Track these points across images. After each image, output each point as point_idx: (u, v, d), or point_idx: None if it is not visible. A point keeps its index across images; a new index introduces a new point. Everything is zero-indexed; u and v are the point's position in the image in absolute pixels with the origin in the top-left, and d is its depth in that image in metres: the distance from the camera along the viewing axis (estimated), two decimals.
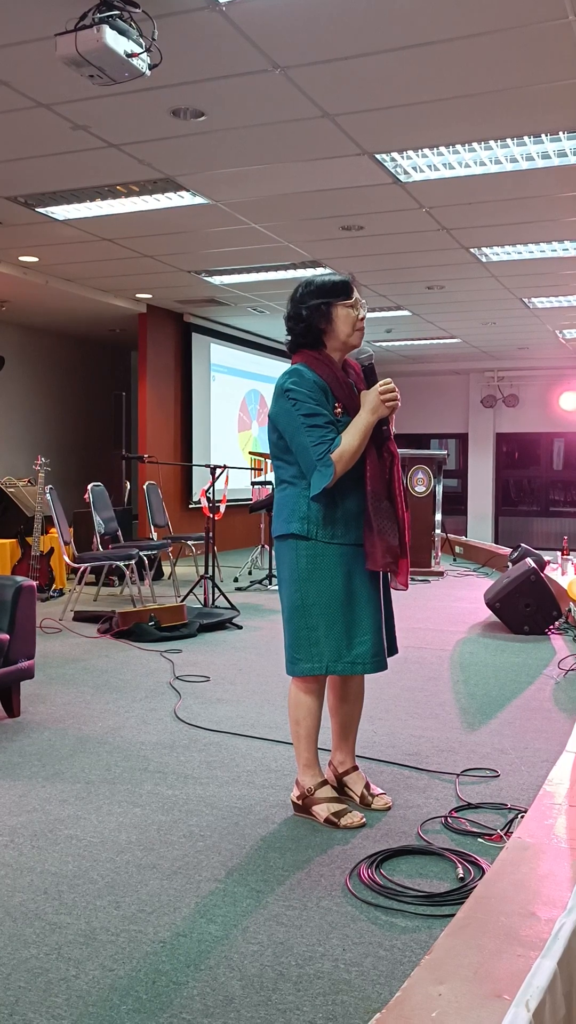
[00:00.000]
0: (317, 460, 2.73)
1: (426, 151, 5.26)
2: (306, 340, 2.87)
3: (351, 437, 2.75)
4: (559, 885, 1.90)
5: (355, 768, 3.09)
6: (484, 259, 7.76)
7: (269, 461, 10.25)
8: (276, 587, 8.41)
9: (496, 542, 14.37)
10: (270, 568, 8.90)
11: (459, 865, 2.54)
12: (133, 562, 7.10)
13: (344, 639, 2.81)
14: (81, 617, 6.64)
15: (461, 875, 2.48)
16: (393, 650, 3.01)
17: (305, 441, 2.75)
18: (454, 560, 11.50)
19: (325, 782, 2.96)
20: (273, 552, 2.97)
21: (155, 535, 8.64)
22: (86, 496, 7.55)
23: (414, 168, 5.56)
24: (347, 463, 2.74)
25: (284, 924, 2.24)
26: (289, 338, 2.92)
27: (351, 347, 2.87)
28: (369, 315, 2.92)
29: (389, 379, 2.84)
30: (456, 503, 15.41)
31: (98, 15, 3.36)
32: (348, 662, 2.81)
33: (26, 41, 3.95)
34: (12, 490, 8.50)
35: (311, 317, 2.82)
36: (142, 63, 3.54)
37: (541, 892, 1.87)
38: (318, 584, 2.81)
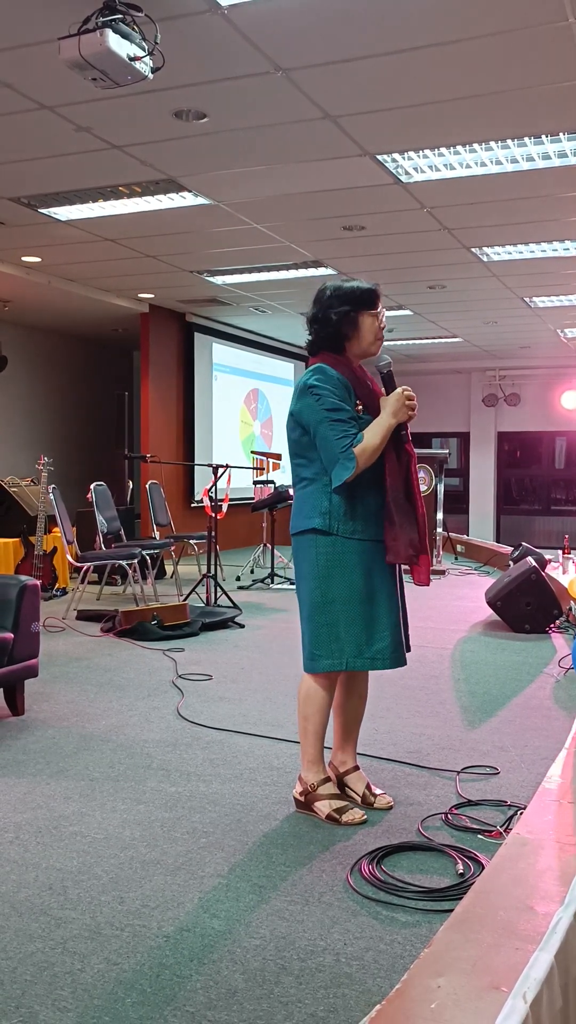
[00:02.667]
0: (340, 453, 2.78)
1: (427, 152, 5.28)
2: (329, 344, 2.92)
3: (373, 435, 2.80)
4: (557, 880, 1.93)
5: (356, 768, 3.11)
6: (485, 259, 7.78)
7: (270, 461, 10.28)
8: (278, 586, 8.46)
9: (497, 541, 14.38)
10: (272, 567, 8.93)
11: (459, 861, 2.57)
12: (136, 561, 7.12)
13: (364, 635, 2.84)
14: (84, 616, 6.67)
15: (461, 871, 2.51)
16: (407, 649, 3.03)
17: (329, 434, 2.80)
18: (455, 559, 11.52)
19: (328, 779, 2.98)
20: (292, 550, 2.99)
21: (157, 534, 8.67)
22: (89, 495, 7.57)
23: (415, 169, 5.58)
24: (368, 459, 2.79)
25: (286, 919, 2.27)
26: (311, 339, 2.97)
27: (370, 355, 2.94)
28: None
29: (408, 387, 2.88)
30: (458, 502, 15.41)
31: (101, 19, 3.39)
32: (368, 658, 2.84)
33: (30, 44, 3.97)
34: (15, 489, 8.52)
35: (339, 323, 2.87)
36: (145, 66, 3.56)
37: (539, 887, 1.90)
38: (339, 580, 2.84)
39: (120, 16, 3.42)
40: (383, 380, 2.93)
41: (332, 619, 2.86)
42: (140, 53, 3.52)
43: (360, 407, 2.87)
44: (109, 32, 3.37)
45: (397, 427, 2.86)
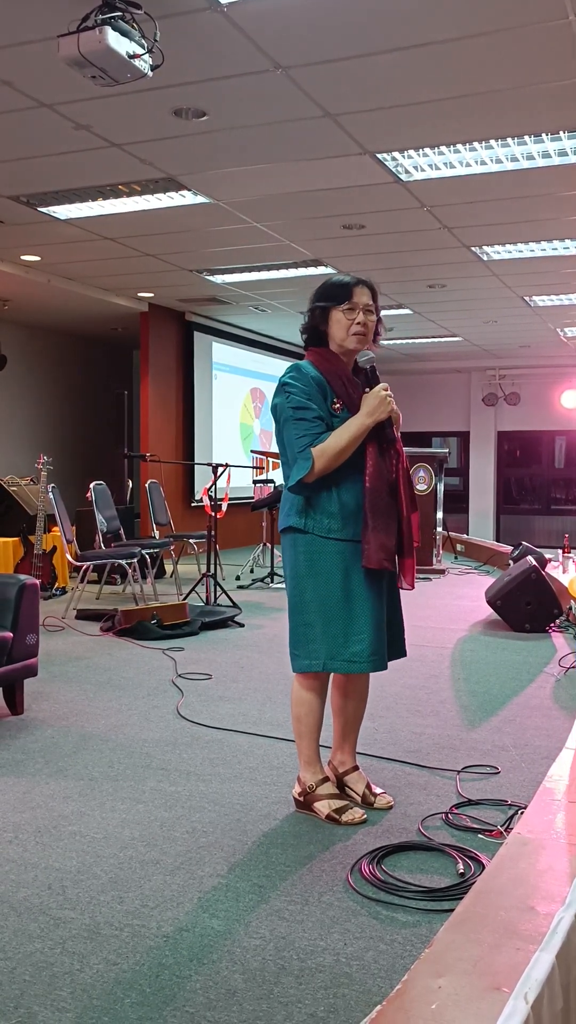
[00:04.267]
0: (297, 453, 2.77)
1: (427, 150, 5.28)
2: (313, 339, 2.94)
3: (339, 436, 2.76)
4: (558, 880, 1.92)
5: (356, 768, 3.10)
6: (485, 258, 7.77)
7: (270, 460, 10.28)
8: (277, 585, 8.46)
9: (497, 540, 14.37)
10: (272, 566, 8.92)
11: (459, 861, 2.56)
12: (135, 560, 7.11)
13: (341, 637, 2.81)
14: (84, 615, 6.66)
15: (461, 870, 2.50)
16: (401, 652, 3.01)
17: (290, 433, 2.79)
18: (455, 558, 11.51)
19: (326, 779, 2.97)
20: (280, 548, 2.99)
21: (157, 533, 8.66)
22: (88, 494, 7.57)
23: (415, 167, 5.58)
24: (330, 460, 2.75)
25: (286, 919, 2.26)
26: (302, 336, 2.99)
27: (348, 350, 2.88)
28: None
29: (385, 384, 2.85)
30: (457, 501, 15.41)
31: (100, 16, 3.38)
32: (344, 660, 2.82)
33: (29, 42, 3.96)
34: (15, 489, 8.51)
35: (312, 318, 2.90)
36: (144, 64, 3.55)
37: (540, 887, 1.89)
38: (315, 581, 2.82)
39: (119, 13, 3.41)
40: (365, 377, 2.89)
41: (309, 619, 2.85)
42: (139, 51, 3.51)
43: (338, 406, 2.82)
44: (108, 29, 3.37)
45: (381, 426, 2.81)
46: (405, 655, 3.03)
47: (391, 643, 2.95)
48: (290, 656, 2.93)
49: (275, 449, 13.43)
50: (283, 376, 2.86)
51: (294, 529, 2.85)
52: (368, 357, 2.88)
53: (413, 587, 2.95)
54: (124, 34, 3.44)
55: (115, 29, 3.39)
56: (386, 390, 2.82)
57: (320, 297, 2.88)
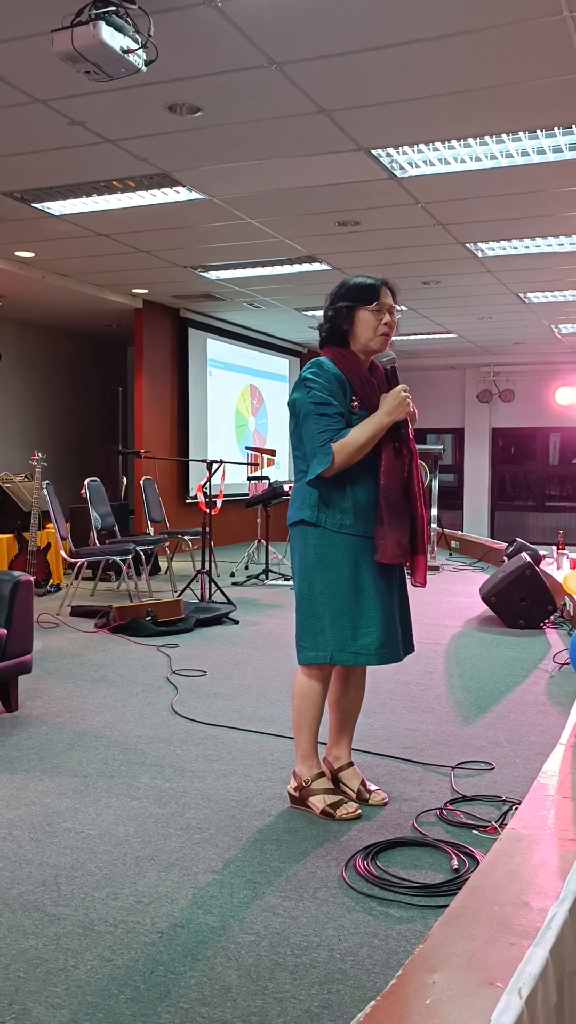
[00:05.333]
0: (318, 447, 2.79)
1: (422, 146, 5.27)
2: (332, 338, 2.94)
3: (359, 432, 2.79)
4: (551, 875, 1.92)
5: (351, 764, 3.10)
6: (480, 254, 7.77)
7: (265, 456, 10.27)
8: (272, 582, 8.46)
9: (492, 537, 14.39)
10: (267, 563, 8.92)
11: (454, 856, 2.56)
12: (130, 557, 7.11)
13: (349, 629, 2.83)
14: (78, 612, 6.65)
15: (456, 866, 2.51)
16: (409, 647, 3.03)
17: (312, 428, 2.82)
18: (450, 555, 11.52)
19: (322, 774, 2.98)
20: (288, 542, 3.00)
21: (152, 530, 8.65)
22: (83, 491, 7.55)
23: (410, 164, 5.57)
24: (349, 455, 2.78)
25: (280, 915, 2.26)
26: (320, 334, 2.99)
27: (373, 351, 2.92)
28: None
29: (404, 385, 2.88)
30: (452, 498, 15.42)
31: (94, 11, 3.37)
32: (352, 652, 2.84)
33: (23, 37, 3.95)
34: (9, 485, 8.49)
35: (335, 317, 2.90)
36: (138, 59, 3.55)
37: (534, 882, 1.89)
38: (325, 574, 2.84)
39: (113, 8, 3.40)
40: (386, 377, 2.93)
41: (317, 611, 2.86)
42: (133, 46, 3.50)
43: (356, 403, 2.86)
44: (102, 24, 3.36)
45: (397, 426, 2.85)
46: (413, 650, 3.04)
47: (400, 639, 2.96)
48: (296, 648, 2.93)
49: (270, 446, 13.43)
50: (304, 371, 2.88)
51: (305, 522, 2.87)
52: (390, 358, 2.93)
53: (425, 584, 2.96)
54: (118, 29, 3.43)
55: (109, 24, 3.38)
56: (405, 391, 2.85)
57: (344, 297, 2.90)
